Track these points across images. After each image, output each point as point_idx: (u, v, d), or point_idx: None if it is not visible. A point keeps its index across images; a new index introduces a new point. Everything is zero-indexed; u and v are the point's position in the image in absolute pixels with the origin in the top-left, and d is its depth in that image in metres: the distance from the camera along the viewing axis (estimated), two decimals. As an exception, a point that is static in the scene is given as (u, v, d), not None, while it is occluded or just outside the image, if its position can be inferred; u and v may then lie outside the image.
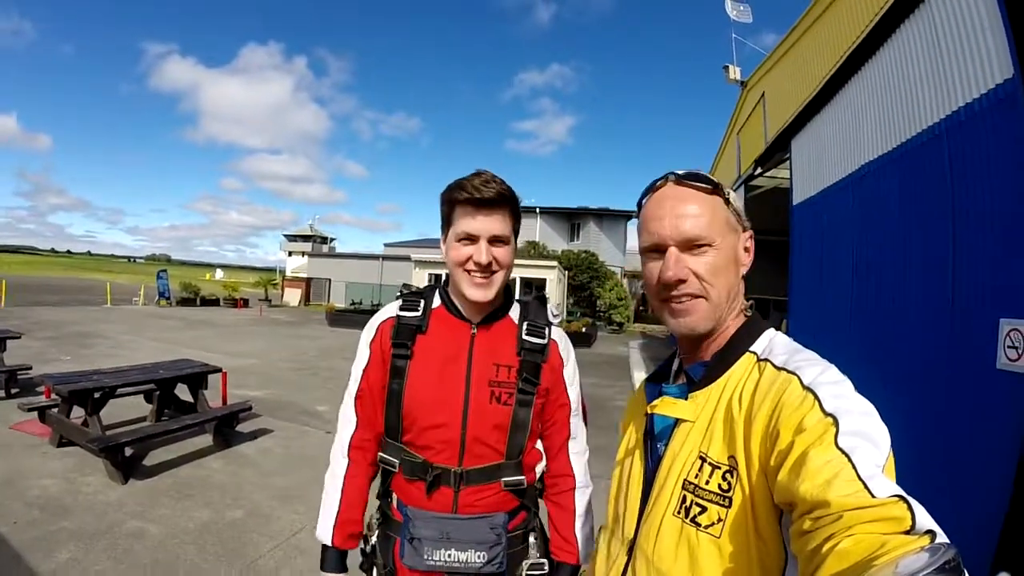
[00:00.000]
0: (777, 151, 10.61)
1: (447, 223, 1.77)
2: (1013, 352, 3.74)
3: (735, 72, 13.80)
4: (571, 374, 1.94)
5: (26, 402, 6.97)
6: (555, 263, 29.14)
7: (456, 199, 1.69)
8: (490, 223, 1.68)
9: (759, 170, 11.98)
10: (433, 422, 1.74)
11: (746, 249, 1.26)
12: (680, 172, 1.25)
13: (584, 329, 24.50)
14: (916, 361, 4.89)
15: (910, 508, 0.75)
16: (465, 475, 1.73)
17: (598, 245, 40.89)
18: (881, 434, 0.90)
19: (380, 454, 1.85)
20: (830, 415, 0.91)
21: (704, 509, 1.10)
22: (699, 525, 1.09)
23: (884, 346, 5.57)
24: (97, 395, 6.24)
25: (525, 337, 1.83)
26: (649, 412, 1.31)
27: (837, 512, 0.78)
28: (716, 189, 1.22)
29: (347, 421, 1.92)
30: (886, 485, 0.80)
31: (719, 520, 1.07)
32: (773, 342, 1.20)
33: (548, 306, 1.98)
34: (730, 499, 1.06)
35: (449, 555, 1.70)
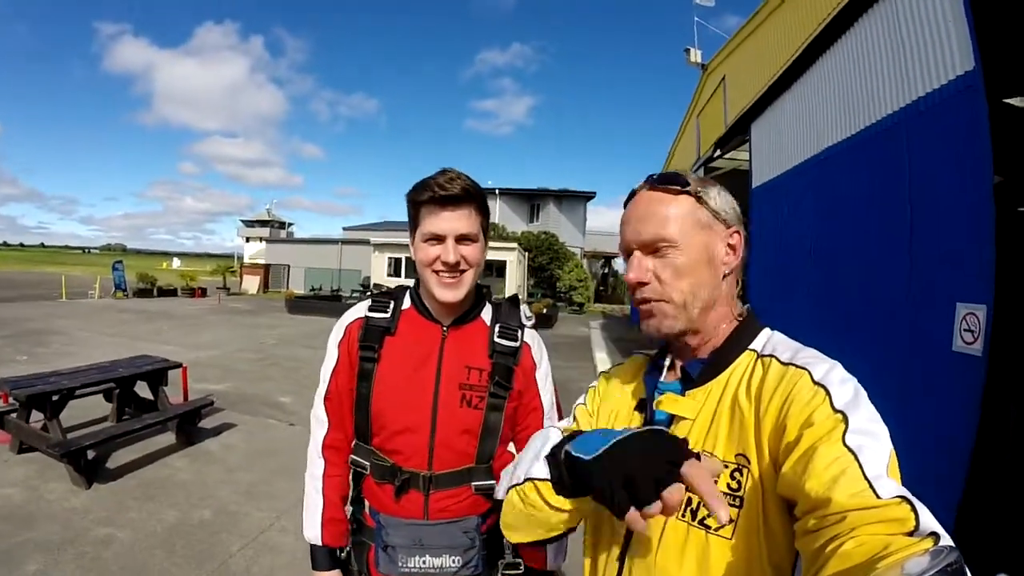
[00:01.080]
0: (737, 134, 10.70)
1: (414, 224, 1.76)
2: (969, 335, 3.84)
3: (696, 55, 13.92)
4: (543, 377, 1.94)
5: (-18, 408, 6.86)
6: (515, 245, 29.15)
7: (420, 199, 1.69)
8: (456, 221, 1.68)
9: (718, 152, 12.07)
10: (402, 426, 1.74)
11: (731, 246, 1.23)
12: (655, 176, 1.27)
13: (545, 310, 24.57)
14: (873, 344, 4.99)
15: (914, 510, 0.76)
16: (435, 479, 1.74)
17: (558, 226, 40.98)
18: (885, 434, 0.92)
19: (352, 456, 1.86)
20: (840, 412, 0.93)
21: None
22: (708, 527, 1.08)
23: (841, 330, 5.67)
24: (55, 398, 6.12)
25: (497, 340, 1.83)
26: (655, 408, 1.27)
27: (841, 512, 0.79)
28: (685, 189, 1.21)
29: (319, 423, 1.92)
30: (891, 486, 0.81)
31: (731, 521, 1.05)
32: (773, 339, 1.21)
33: (521, 308, 1.97)
34: (741, 498, 1.06)
35: (424, 561, 1.71)
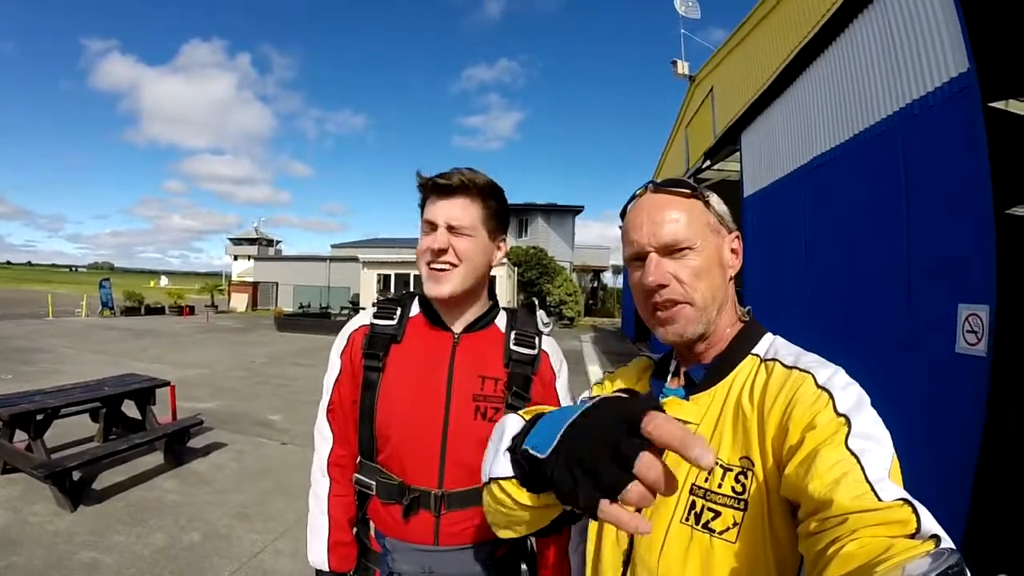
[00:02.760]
0: (726, 144, 10.72)
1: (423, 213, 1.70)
2: (972, 336, 3.81)
3: (683, 67, 14.02)
4: (563, 387, 1.82)
5: (-35, 429, 6.71)
6: (504, 260, 29.19)
7: (423, 187, 1.66)
8: (449, 209, 1.60)
9: (708, 163, 12.10)
10: (406, 439, 1.63)
11: (733, 251, 1.25)
12: (658, 181, 1.25)
13: (538, 325, 24.48)
14: (876, 348, 4.94)
15: (916, 512, 0.76)
16: (446, 498, 1.61)
17: (547, 241, 41.14)
18: (888, 439, 0.91)
19: (356, 475, 1.73)
20: (843, 415, 0.93)
21: (718, 514, 1.07)
22: (713, 531, 1.06)
23: (841, 335, 5.62)
24: (40, 417, 5.97)
25: (513, 347, 1.73)
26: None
27: (843, 514, 0.79)
28: (694, 193, 1.22)
29: (323, 439, 1.79)
30: (893, 489, 0.81)
31: (735, 524, 1.04)
32: (775, 344, 1.21)
33: (538, 314, 1.86)
34: (745, 502, 1.04)
35: None
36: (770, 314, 7.68)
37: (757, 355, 1.19)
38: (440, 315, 1.72)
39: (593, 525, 1.34)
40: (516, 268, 34.23)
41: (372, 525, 1.73)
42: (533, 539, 1.81)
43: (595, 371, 14.72)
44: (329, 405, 1.77)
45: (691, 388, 1.24)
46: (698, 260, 1.18)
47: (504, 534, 1.16)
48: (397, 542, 1.63)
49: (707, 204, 1.23)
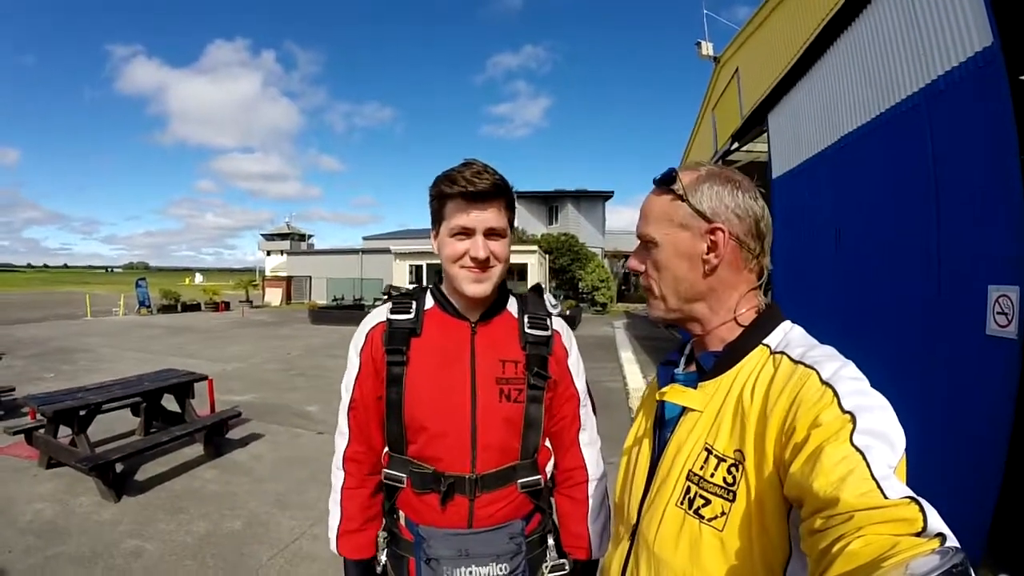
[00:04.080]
0: (754, 125, 10.60)
1: (438, 218, 1.70)
2: (1003, 318, 3.76)
3: (707, 48, 13.78)
4: (575, 363, 1.89)
5: (11, 425, 6.94)
6: (535, 247, 29.11)
7: (447, 193, 1.63)
8: (485, 216, 1.62)
9: (736, 145, 11.97)
10: (440, 429, 1.67)
11: (712, 244, 1.22)
12: (658, 176, 1.31)
13: (569, 311, 24.31)
14: (904, 330, 4.89)
15: (922, 510, 0.75)
16: (480, 480, 1.67)
17: (577, 227, 40.98)
18: (897, 435, 0.89)
19: (385, 470, 1.77)
20: (848, 412, 0.91)
21: (708, 502, 1.10)
22: (702, 517, 1.10)
23: (870, 316, 5.57)
24: (83, 413, 6.14)
25: (528, 330, 1.78)
26: (659, 399, 1.31)
27: (848, 512, 0.78)
28: (667, 189, 1.27)
29: (340, 435, 1.85)
30: (898, 487, 0.80)
31: (723, 513, 1.07)
32: (789, 335, 1.20)
33: (546, 297, 1.93)
34: (734, 493, 1.07)
35: (470, 572, 1.64)
36: (802, 294, 7.65)
37: (768, 346, 1.20)
38: (458, 307, 1.77)
39: (615, 496, 1.43)
40: (547, 255, 34.15)
41: (402, 514, 1.77)
42: (556, 515, 1.90)
43: (628, 356, 14.64)
44: (351, 403, 1.81)
45: (701, 375, 1.26)
46: (658, 253, 1.27)
47: None
48: (431, 529, 1.67)
49: (682, 198, 1.24)
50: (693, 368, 1.32)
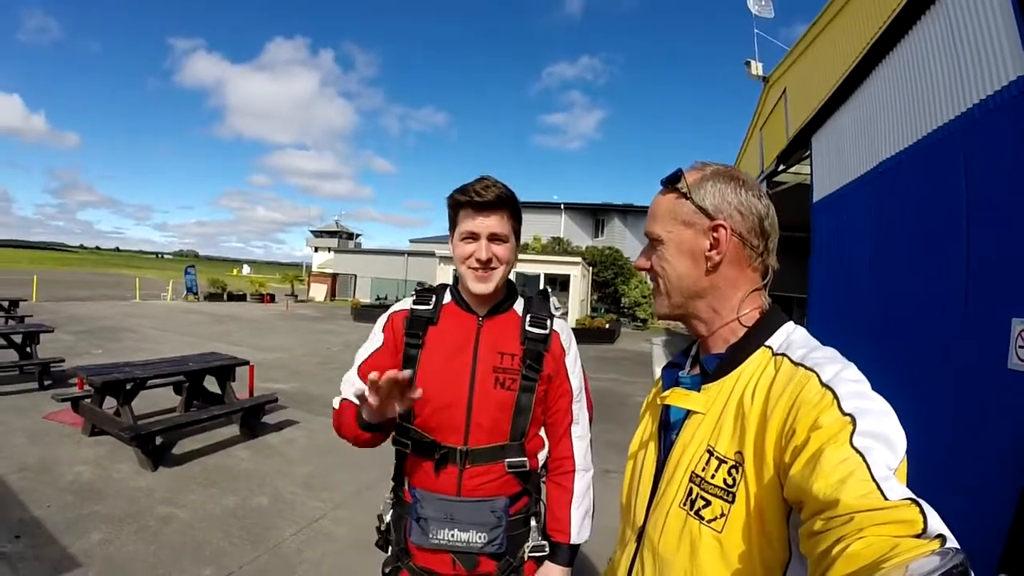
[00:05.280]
0: (799, 147, 10.54)
1: (453, 224, 1.93)
2: None
3: (757, 67, 13.64)
4: (572, 362, 2.07)
5: (60, 393, 7.22)
6: (579, 259, 29.09)
7: (459, 202, 1.87)
8: (489, 223, 1.84)
9: (781, 167, 11.90)
10: (441, 404, 1.88)
11: (715, 240, 1.23)
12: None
13: (608, 325, 24.42)
14: (928, 359, 4.88)
15: (922, 512, 0.75)
16: (470, 454, 1.87)
17: (623, 241, 40.74)
18: (898, 437, 0.90)
19: (394, 435, 1.97)
20: (848, 414, 0.91)
21: (708, 503, 1.12)
22: (702, 518, 1.12)
23: (897, 343, 5.56)
24: (128, 386, 6.41)
25: (528, 328, 1.98)
26: (661, 403, 1.36)
27: (849, 513, 0.78)
28: (671, 187, 1.30)
29: (351, 385, 1.98)
30: (899, 488, 0.80)
31: (722, 515, 1.09)
32: (791, 337, 1.21)
33: (550, 300, 2.13)
34: (734, 495, 1.08)
35: (452, 535, 1.84)
36: (834, 322, 7.62)
37: (769, 347, 1.20)
38: (469, 303, 2.00)
39: (622, 499, 1.49)
40: (591, 268, 34.11)
41: (407, 481, 2.00)
42: (544, 500, 2.09)
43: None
44: (361, 367, 2.02)
45: (705, 377, 1.28)
46: (663, 251, 1.30)
47: None
48: (426, 492, 1.89)
49: (686, 196, 1.26)
50: (698, 371, 1.35)
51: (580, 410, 2.10)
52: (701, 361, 1.34)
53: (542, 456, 2.05)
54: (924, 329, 5.07)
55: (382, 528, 2.07)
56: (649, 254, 1.34)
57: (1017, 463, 3.71)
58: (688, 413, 1.26)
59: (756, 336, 1.22)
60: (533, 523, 2.01)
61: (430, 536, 1.84)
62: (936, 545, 0.69)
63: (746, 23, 14.13)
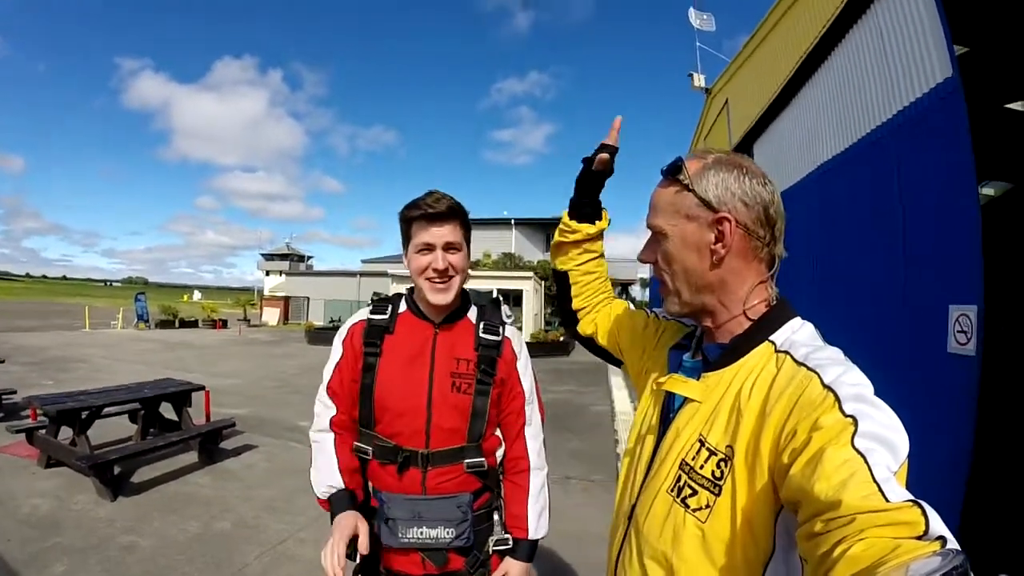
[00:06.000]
0: (742, 156, 10.77)
1: (407, 239, 2.02)
2: (962, 336, 3.88)
3: (699, 79, 13.85)
4: (524, 366, 2.18)
5: (13, 424, 7.15)
6: (531, 274, 29.19)
7: (413, 216, 1.96)
8: (443, 232, 1.94)
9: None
10: (401, 410, 1.97)
11: (719, 233, 1.21)
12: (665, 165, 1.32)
13: (562, 338, 24.42)
14: (876, 351, 5.02)
15: (924, 513, 0.75)
16: (431, 456, 1.96)
17: (576, 254, 40.87)
18: (900, 441, 0.90)
19: (355, 443, 2.06)
20: (850, 416, 0.91)
21: (695, 492, 1.13)
22: (688, 507, 1.13)
23: (844, 339, 5.69)
24: (84, 415, 6.35)
25: (482, 335, 2.08)
26: (658, 387, 1.37)
27: (850, 515, 0.77)
28: (672, 179, 1.27)
29: (325, 407, 2.13)
30: (899, 490, 0.80)
31: (707, 506, 1.09)
32: (796, 334, 1.20)
33: (502, 308, 2.26)
34: (720, 487, 1.09)
35: (421, 532, 1.92)
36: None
37: (773, 343, 1.19)
38: (425, 312, 2.10)
39: (620, 476, 1.49)
40: (543, 282, 34.29)
41: (371, 485, 2.09)
42: (503, 497, 2.21)
43: (618, 382, 14.69)
44: (329, 383, 2.12)
45: (706, 365, 1.28)
46: (667, 244, 1.27)
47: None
48: (392, 495, 1.97)
49: (688, 188, 1.23)
50: (700, 357, 1.35)
51: (532, 411, 2.21)
52: (704, 348, 1.33)
53: (500, 454, 2.15)
54: (868, 322, 5.21)
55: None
56: (654, 248, 1.33)
57: (963, 444, 3.84)
58: (685, 400, 1.26)
59: (760, 330, 1.22)
60: (496, 517, 2.13)
61: (399, 536, 1.92)
62: (937, 546, 0.70)
63: (689, 36, 14.36)
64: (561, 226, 1.88)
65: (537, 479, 2.18)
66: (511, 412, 2.15)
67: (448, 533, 1.93)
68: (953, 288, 4.05)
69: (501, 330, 2.13)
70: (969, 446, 3.81)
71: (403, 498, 1.95)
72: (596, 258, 1.94)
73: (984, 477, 3.90)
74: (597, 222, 1.86)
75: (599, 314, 1.87)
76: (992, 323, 3.82)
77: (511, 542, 2.11)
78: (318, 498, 2.05)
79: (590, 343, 1.89)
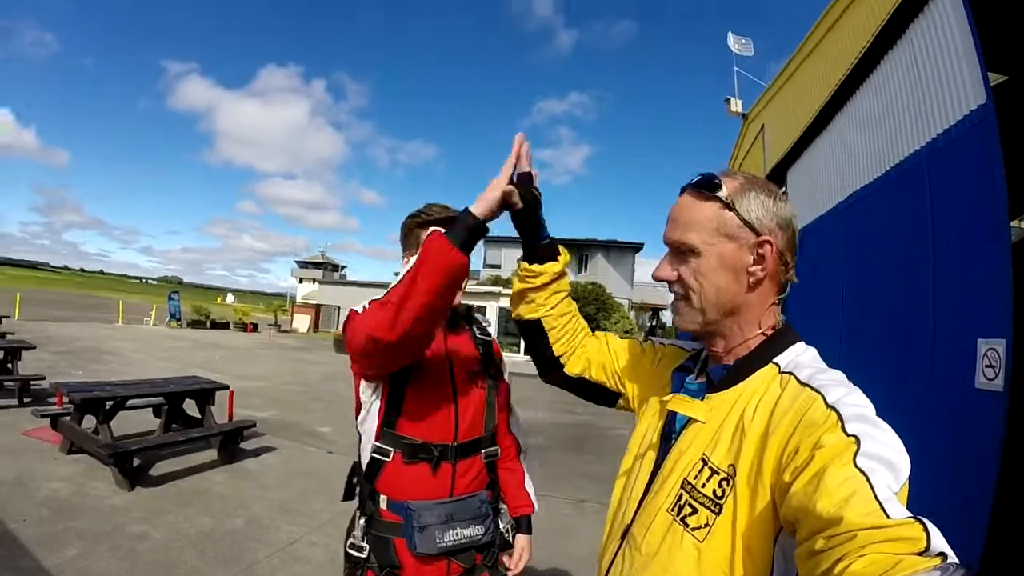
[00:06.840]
0: (776, 182, 10.65)
1: (409, 244, 2.18)
2: (991, 371, 3.78)
3: (736, 105, 13.67)
4: (505, 365, 2.45)
5: (39, 410, 7.25)
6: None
7: (420, 222, 2.13)
8: None
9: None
10: (432, 406, 2.03)
11: (759, 255, 1.21)
12: (698, 176, 1.28)
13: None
14: (902, 383, 4.91)
15: (926, 530, 0.75)
16: (460, 448, 2.06)
17: (605, 277, 40.72)
18: (901, 461, 0.90)
19: (375, 443, 2.01)
20: (852, 435, 0.91)
21: (695, 511, 1.12)
22: (687, 526, 1.12)
23: (871, 370, 5.59)
24: (108, 405, 6.44)
25: (479, 336, 2.34)
26: (660, 406, 1.39)
27: (852, 531, 0.77)
28: (712, 196, 1.23)
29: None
30: (900, 508, 0.80)
31: (707, 525, 1.09)
32: (800, 356, 1.21)
33: (476, 316, 2.52)
34: (721, 506, 1.08)
35: (456, 534, 1.98)
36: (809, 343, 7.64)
37: (777, 364, 1.19)
38: None
39: (614, 495, 1.49)
40: (574, 304, 34.31)
41: (383, 498, 2.01)
42: (501, 484, 2.36)
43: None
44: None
45: (710, 387, 1.28)
46: (700, 263, 1.23)
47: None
48: (420, 503, 1.97)
49: (730, 207, 1.21)
50: (704, 379, 1.34)
51: (513, 403, 2.48)
52: (708, 370, 1.33)
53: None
54: (896, 354, 5.13)
55: (362, 556, 2.00)
56: (675, 264, 1.29)
57: (989, 480, 3.76)
58: (689, 420, 1.26)
59: (765, 352, 1.23)
60: (502, 507, 2.30)
61: (437, 541, 1.94)
62: (938, 561, 0.70)
63: (728, 61, 14.17)
64: (521, 273, 1.74)
65: (524, 460, 2.46)
66: (502, 405, 2.36)
67: (479, 530, 2.04)
68: (982, 321, 3.98)
69: (489, 333, 2.40)
70: (992, 482, 3.74)
71: (432, 504, 1.97)
72: (566, 297, 1.83)
73: (1009, 515, 3.82)
74: (559, 257, 1.75)
75: (586, 349, 1.79)
76: (1021, 358, 3.75)
77: (517, 522, 2.33)
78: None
79: (579, 383, 1.77)
